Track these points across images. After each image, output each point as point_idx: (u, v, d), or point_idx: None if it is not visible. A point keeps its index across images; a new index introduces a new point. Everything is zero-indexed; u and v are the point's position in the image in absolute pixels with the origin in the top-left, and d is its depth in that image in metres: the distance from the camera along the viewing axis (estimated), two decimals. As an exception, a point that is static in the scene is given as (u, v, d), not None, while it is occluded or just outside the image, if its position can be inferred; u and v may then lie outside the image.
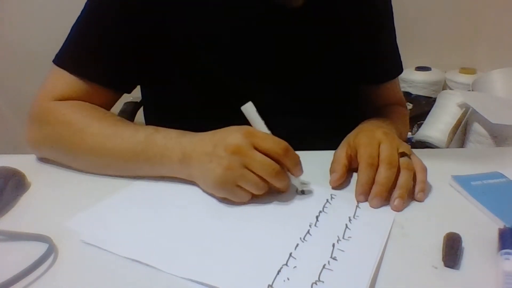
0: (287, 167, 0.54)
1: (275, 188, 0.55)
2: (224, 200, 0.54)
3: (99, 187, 0.58)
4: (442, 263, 0.45)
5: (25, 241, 0.47)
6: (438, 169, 0.60)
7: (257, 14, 0.68)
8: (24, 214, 0.53)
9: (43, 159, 0.65)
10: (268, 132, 0.54)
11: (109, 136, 0.59)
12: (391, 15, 0.81)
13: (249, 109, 0.54)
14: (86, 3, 0.66)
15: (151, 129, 0.59)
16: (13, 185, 0.55)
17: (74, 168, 0.62)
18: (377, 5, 0.78)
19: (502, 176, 0.61)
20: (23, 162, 0.60)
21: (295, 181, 0.56)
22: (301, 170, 0.55)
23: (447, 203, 0.56)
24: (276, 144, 0.52)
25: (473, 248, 0.47)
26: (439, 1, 1.79)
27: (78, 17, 0.66)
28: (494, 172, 0.62)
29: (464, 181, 0.59)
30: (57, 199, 0.56)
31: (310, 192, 0.57)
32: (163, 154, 0.56)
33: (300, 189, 0.57)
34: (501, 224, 0.49)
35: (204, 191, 0.56)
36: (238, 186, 0.52)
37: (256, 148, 0.52)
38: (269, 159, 0.52)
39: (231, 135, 0.52)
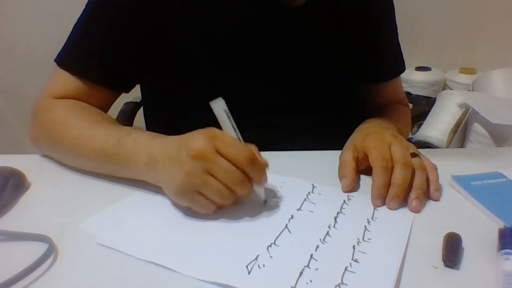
0: (250, 176, 0.50)
1: (236, 196, 0.50)
2: (189, 210, 0.51)
3: (100, 187, 0.58)
4: (442, 263, 0.45)
5: (25, 241, 0.47)
6: (438, 169, 0.60)
7: (256, 13, 0.68)
8: (24, 214, 0.53)
9: (44, 157, 0.65)
10: (235, 134, 0.50)
11: (86, 138, 0.59)
12: (392, 13, 0.81)
13: (217, 106, 0.49)
14: (87, 4, 0.67)
15: (124, 131, 0.58)
16: (13, 185, 0.55)
17: (64, 164, 0.62)
18: (378, 4, 0.78)
19: (502, 176, 0.61)
20: (23, 162, 0.60)
21: (259, 190, 0.52)
22: (265, 180, 0.51)
23: (447, 203, 0.56)
24: (240, 152, 0.48)
25: (473, 248, 0.47)
26: (439, 1, 1.79)
27: (79, 18, 0.67)
28: (494, 172, 0.61)
29: (464, 181, 0.59)
30: (57, 199, 0.56)
31: (276, 204, 0.53)
32: (130, 158, 0.54)
33: (263, 198, 0.53)
34: (501, 224, 0.49)
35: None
36: (201, 194, 0.49)
37: (220, 153, 0.48)
38: (232, 166, 0.48)
39: (195, 139, 0.49)
